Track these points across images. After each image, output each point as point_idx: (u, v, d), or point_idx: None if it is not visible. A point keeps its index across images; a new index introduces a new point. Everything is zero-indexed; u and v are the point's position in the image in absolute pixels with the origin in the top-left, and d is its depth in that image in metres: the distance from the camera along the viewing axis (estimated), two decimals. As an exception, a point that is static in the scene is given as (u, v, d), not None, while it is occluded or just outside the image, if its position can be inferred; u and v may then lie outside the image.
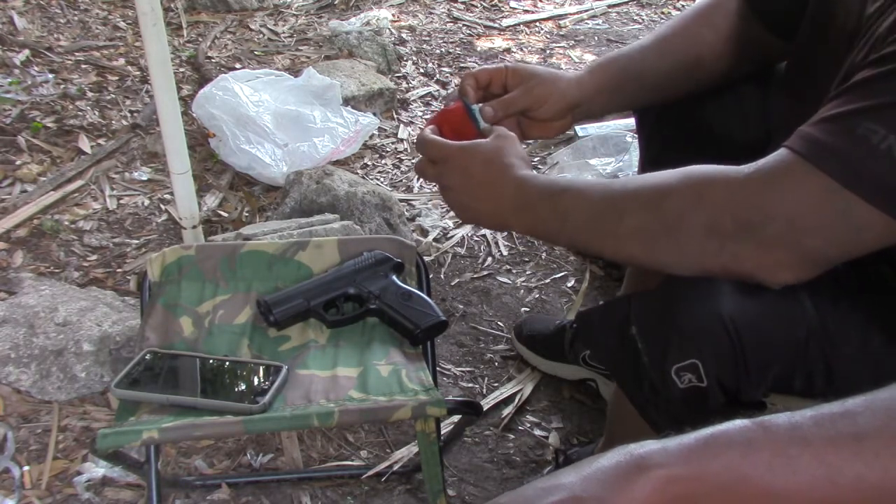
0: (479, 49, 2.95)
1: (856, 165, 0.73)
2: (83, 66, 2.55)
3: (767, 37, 1.09)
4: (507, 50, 2.97)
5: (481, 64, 2.84)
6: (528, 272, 1.90)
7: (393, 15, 3.09)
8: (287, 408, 1.02)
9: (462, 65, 2.82)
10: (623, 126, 2.18)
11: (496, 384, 1.59)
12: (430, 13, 3.19)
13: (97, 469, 1.34)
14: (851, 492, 0.49)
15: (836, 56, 0.87)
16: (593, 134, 2.19)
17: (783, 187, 0.76)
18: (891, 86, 0.73)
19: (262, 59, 2.75)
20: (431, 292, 1.23)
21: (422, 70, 2.77)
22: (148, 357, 1.08)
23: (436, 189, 2.14)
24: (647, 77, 1.12)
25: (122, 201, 2.03)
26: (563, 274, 1.90)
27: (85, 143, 2.19)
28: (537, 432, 1.50)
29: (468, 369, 1.63)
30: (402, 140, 2.38)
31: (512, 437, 1.49)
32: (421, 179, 2.21)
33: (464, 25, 3.12)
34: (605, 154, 2.10)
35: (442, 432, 1.18)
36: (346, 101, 2.37)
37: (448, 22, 3.14)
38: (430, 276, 1.28)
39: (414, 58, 2.83)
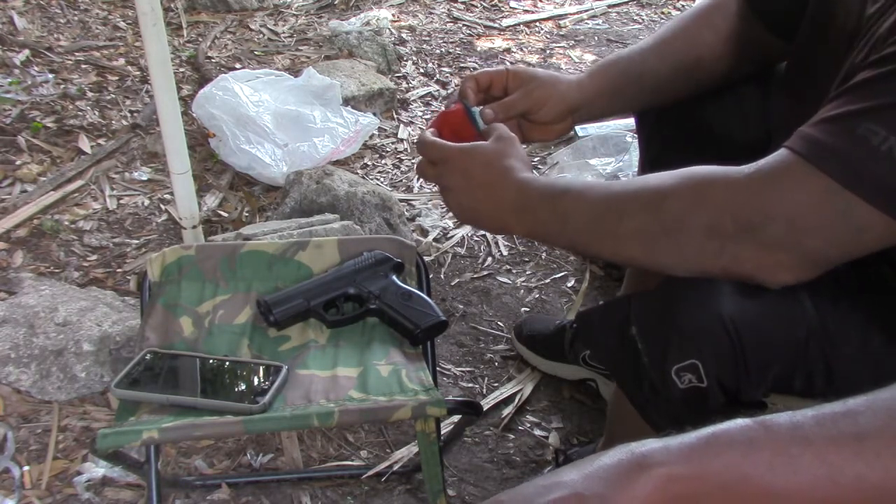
0: (479, 49, 2.95)
1: (856, 166, 0.73)
2: (83, 66, 2.55)
3: (767, 37, 1.09)
4: (507, 50, 2.97)
5: (481, 64, 2.84)
6: (528, 272, 1.90)
7: (393, 15, 3.09)
8: (287, 408, 1.02)
9: (462, 65, 2.82)
10: (623, 126, 2.18)
11: (496, 384, 1.59)
12: (430, 13, 3.19)
13: (97, 469, 1.34)
14: (852, 491, 0.49)
15: (836, 56, 0.87)
16: (593, 134, 2.19)
17: (783, 188, 0.76)
18: (891, 87, 0.73)
19: (262, 59, 2.75)
20: (431, 292, 1.23)
21: (422, 70, 2.77)
22: (148, 357, 1.08)
23: (436, 190, 2.15)
24: (647, 79, 1.12)
25: (122, 201, 2.03)
26: (563, 274, 1.90)
27: (85, 143, 2.19)
28: (537, 432, 1.50)
29: (468, 369, 1.63)
30: (402, 140, 2.38)
31: (512, 437, 1.49)
32: (421, 180, 2.21)
33: (464, 25, 3.12)
34: (605, 154, 2.10)
35: (442, 432, 1.18)
36: (346, 101, 2.37)
37: (448, 22, 3.14)
38: (430, 276, 1.28)
39: (414, 58, 2.83)
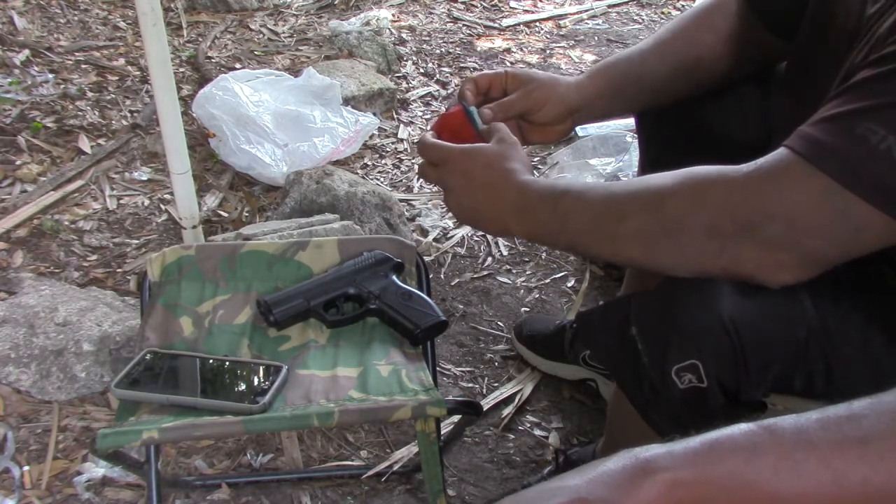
0: (479, 49, 2.95)
1: (855, 166, 0.73)
2: (83, 66, 2.55)
3: (767, 37, 1.09)
4: (507, 50, 2.97)
5: (481, 64, 2.84)
6: (528, 272, 1.90)
7: (393, 15, 3.09)
8: (287, 408, 1.02)
9: (462, 65, 2.82)
10: (623, 126, 2.18)
11: (496, 384, 1.59)
12: (430, 13, 3.19)
13: (97, 469, 1.34)
14: (857, 495, 0.49)
15: (836, 56, 0.87)
16: (593, 134, 2.19)
17: (783, 187, 0.76)
18: (890, 86, 0.73)
19: (262, 59, 2.75)
20: (431, 292, 1.23)
21: (422, 70, 2.77)
22: (148, 357, 1.08)
23: (436, 190, 2.15)
24: (647, 80, 1.12)
25: (122, 201, 2.03)
26: (563, 274, 1.90)
27: (85, 143, 2.19)
28: (537, 432, 1.50)
29: (468, 369, 1.63)
30: (402, 140, 2.38)
31: (512, 437, 1.49)
32: (421, 180, 2.21)
33: (464, 25, 3.12)
34: (605, 154, 2.10)
35: (442, 432, 1.18)
36: (346, 101, 2.37)
37: (448, 22, 3.14)
38: (430, 276, 1.28)
39: (414, 58, 2.83)
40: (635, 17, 3.33)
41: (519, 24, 3.17)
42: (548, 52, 2.99)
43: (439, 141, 1.00)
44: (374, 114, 2.40)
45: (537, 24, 3.21)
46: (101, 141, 2.22)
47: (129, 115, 2.35)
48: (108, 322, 1.51)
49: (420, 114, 2.53)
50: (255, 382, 1.05)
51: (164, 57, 1.52)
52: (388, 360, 1.11)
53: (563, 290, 1.86)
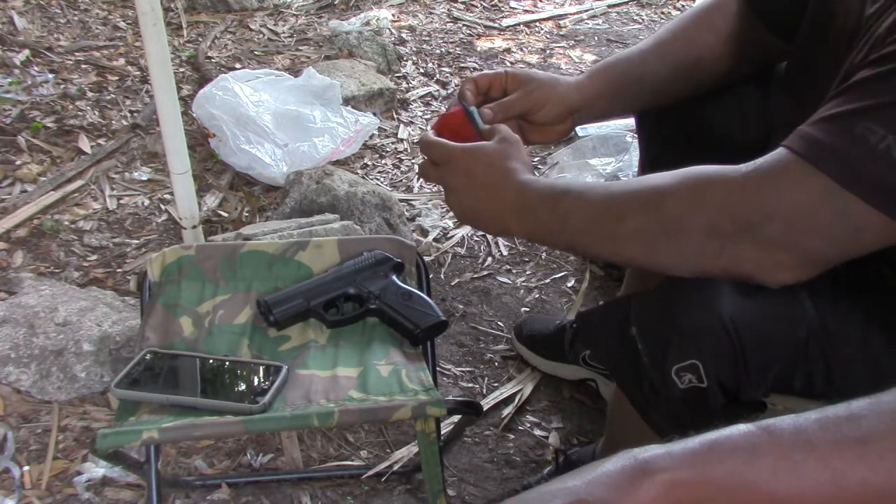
0: (479, 49, 2.95)
1: (854, 165, 0.73)
2: (83, 66, 2.55)
3: (767, 37, 1.09)
4: (507, 50, 2.97)
5: (481, 64, 2.84)
6: (528, 272, 1.90)
7: (393, 15, 3.09)
8: (287, 408, 1.02)
9: (462, 65, 2.82)
10: (623, 126, 2.18)
11: (496, 384, 1.59)
12: (430, 13, 3.19)
13: (97, 469, 1.34)
14: (856, 496, 0.49)
15: (835, 56, 0.87)
16: (593, 134, 2.19)
17: (782, 187, 0.76)
18: (889, 86, 0.73)
19: (262, 59, 2.75)
20: (431, 292, 1.23)
21: (422, 70, 2.77)
22: (148, 357, 1.08)
23: (436, 190, 2.15)
24: (647, 80, 1.12)
25: (122, 201, 2.03)
26: (563, 274, 1.90)
27: (85, 143, 2.19)
28: (537, 432, 1.50)
29: (468, 369, 1.63)
30: (402, 140, 2.38)
31: (512, 437, 1.49)
32: (421, 180, 2.21)
33: (464, 25, 3.12)
34: (605, 154, 2.10)
35: (442, 432, 1.18)
36: (346, 101, 2.37)
37: (448, 22, 3.14)
38: (430, 276, 1.28)
39: (414, 58, 2.83)
40: (635, 17, 3.33)
41: (519, 24, 3.17)
42: (548, 52, 2.99)
43: (441, 139, 1.00)
44: (374, 114, 2.40)
45: (537, 24, 3.21)
46: (101, 141, 2.22)
47: (129, 115, 2.35)
48: (108, 322, 1.51)
49: (420, 114, 2.54)
50: (255, 382, 1.05)
51: (164, 57, 1.52)
52: (388, 360, 1.11)
53: (563, 290, 1.86)
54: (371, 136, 2.34)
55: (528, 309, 1.79)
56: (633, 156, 1.99)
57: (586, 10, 3.32)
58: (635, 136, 1.82)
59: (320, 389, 1.06)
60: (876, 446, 0.49)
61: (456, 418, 1.37)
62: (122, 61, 2.62)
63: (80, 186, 2.04)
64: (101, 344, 1.47)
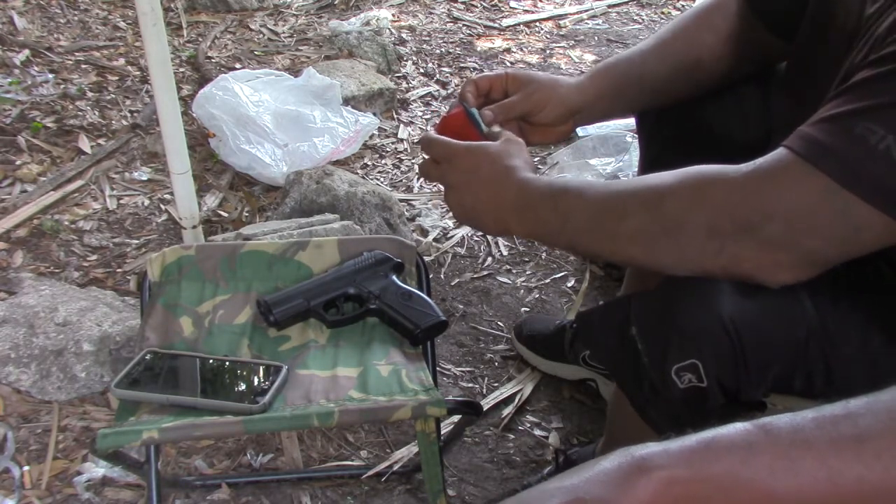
0: (479, 49, 2.95)
1: (854, 165, 0.73)
2: (83, 66, 2.55)
3: (767, 37, 1.09)
4: (507, 50, 2.97)
5: (481, 64, 2.84)
6: (528, 272, 1.90)
7: (393, 15, 3.09)
8: (287, 408, 1.02)
9: (462, 65, 2.82)
10: (623, 126, 2.18)
11: (496, 384, 1.59)
12: (430, 13, 3.19)
13: (97, 469, 1.34)
14: (853, 494, 0.49)
15: (835, 56, 0.87)
16: (593, 134, 2.19)
17: (782, 187, 0.76)
18: (889, 86, 0.73)
19: (262, 59, 2.75)
20: (431, 292, 1.23)
21: (422, 70, 2.77)
22: (148, 357, 1.08)
23: (436, 189, 2.15)
24: (647, 81, 1.12)
25: (122, 201, 2.03)
26: (563, 274, 1.90)
27: (85, 143, 2.19)
28: (537, 432, 1.50)
29: (468, 369, 1.63)
30: (402, 140, 2.38)
31: (512, 437, 1.49)
32: (422, 180, 2.21)
33: (464, 25, 3.12)
34: (605, 154, 2.10)
35: (442, 432, 1.18)
36: (346, 101, 2.37)
37: (448, 22, 3.14)
38: (430, 276, 1.28)
39: (414, 58, 2.83)
40: (635, 17, 3.33)
41: (519, 24, 3.17)
42: (548, 52, 2.99)
43: (444, 137, 1.00)
44: (374, 114, 2.40)
45: (537, 24, 3.21)
46: (101, 141, 2.22)
47: (129, 115, 2.35)
48: (108, 322, 1.51)
49: (420, 114, 2.54)
50: (255, 382, 1.05)
51: (164, 57, 1.52)
52: (388, 360, 1.11)
53: (563, 290, 1.86)
54: (371, 136, 2.34)
55: (528, 309, 1.79)
56: (633, 156, 1.99)
57: (586, 10, 3.32)
58: (635, 136, 1.82)
59: (320, 389, 1.06)
60: (873, 445, 0.49)
61: (456, 418, 1.37)
62: (122, 61, 2.62)
63: (80, 186, 2.04)
64: (101, 344, 1.47)
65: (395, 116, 2.50)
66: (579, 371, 1.55)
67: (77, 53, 2.61)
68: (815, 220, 0.75)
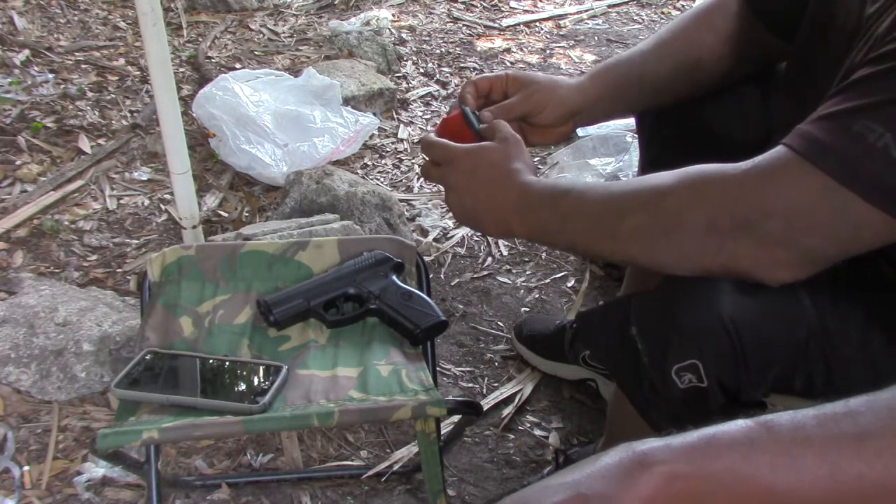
0: (479, 49, 2.95)
1: (853, 163, 0.73)
2: (83, 66, 2.55)
3: (767, 37, 1.09)
4: (507, 50, 2.97)
5: (481, 64, 2.84)
6: (528, 272, 1.90)
7: (393, 15, 3.09)
8: (287, 408, 1.02)
9: (462, 65, 2.82)
10: (623, 126, 2.18)
11: (496, 384, 1.59)
12: (430, 13, 3.19)
13: (97, 469, 1.34)
14: (853, 491, 0.49)
15: (836, 56, 0.87)
16: (593, 134, 2.19)
17: (780, 185, 0.76)
18: (888, 84, 0.73)
19: (262, 59, 2.75)
20: (431, 292, 1.23)
21: (422, 70, 2.77)
22: (148, 357, 1.08)
23: (436, 189, 2.15)
24: (647, 81, 1.12)
25: (122, 201, 2.03)
26: (563, 274, 1.90)
27: (85, 143, 2.19)
28: (537, 432, 1.50)
29: (468, 369, 1.63)
30: (402, 140, 2.38)
31: (512, 437, 1.49)
32: (422, 179, 2.21)
33: (464, 25, 3.12)
34: (605, 154, 2.10)
35: (442, 432, 1.18)
36: (346, 101, 2.37)
37: (448, 22, 3.14)
38: (430, 276, 1.28)
39: (414, 58, 2.83)
40: (635, 17, 3.33)
41: (519, 24, 3.17)
42: (548, 52, 2.99)
43: (443, 140, 1.00)
44: (374, 114, 2.40)
45: (537, 24, 3.21)
46: (101, 141, 2.22)
47: (129, 115, 2.35)
48: (108, 322, 1.51)
49: (420, 114, 2.54)
50: (255, 382, 1.05)
51: (164, 57, 1.52)
52: (388, 360, 1.11)
53: (563, 290, 1.86)
54: (371, 136, 2.34)
55: (528, 309, 1.79)
56: (633, 156, 1.99)
57: (586, 10, 3.32)
58: (635, 136, 1.82)
59: (320, 389, 1.06)
60: (873, 442, 0.50)
61: (456, 418, 1.37)
62: (122, 61, 2.62)
63: (80, 186, 2.04)
64: (101, 344, 1.47)
65: (395, 116, 2.50)
66: (579, 371, 1.55)
67: (77, 53, 2.61)
68: (814, 218, 0.75)
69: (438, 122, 1.11)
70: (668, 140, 1.20)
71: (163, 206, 2.02)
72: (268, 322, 1.13)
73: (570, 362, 1.55)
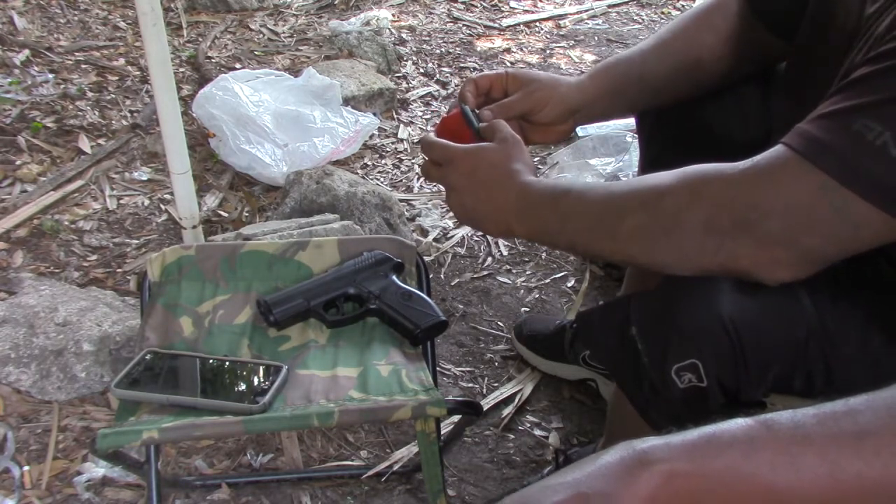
0: (479, 49, 2.95)
1: (852, 162, 0.73)
2: (83, 66, 2.55)
3: (768, 37, 1.09)
4: (507, 50, 2.97)
5: (481, 64, 2.84)
6: (528, 272, 1.90)
7: (393, 15, 3.09)
8: (287, 408, 1.02)
9: (462, 65, 2.82)
10: (623, 126, 2.18)
11: (496, 384, 1.59)
12: (430, 13, 3.19)
13: (97, 469, 1.34)
14: (853, 489, 0.49)
15: (836, 56, 0.87)
16: (593, 134, 2.19)
17: (779, 184, 0.76)
18: (888, 82, 0.73)
19: (262, 59, 2.75)
20: (431, 292, 1.23)
21: (422, 70, 2.77)
22: (148, 357, 1.08)
23: (436, 189, 2.15)
24: (647, 80, 1.12)
25: (122, 201, 2.03)
26: (563, 274, 1.90)
27: (85, 143, 2.19)
28: (537, 432, 1.50)
29: (468, 369, 1.63)
30: (402, 140, 2.38)
31: (512, 437, 1.49)
32: (422, 179, 2.21)
33: (464, 25, 3.12)
34: (605, 154, 2.10)
35: (442, 432, 1.18)
36: (346, 101, 2.37)
37: (448, 22, 3.14)
38: (430, 276, 1.28)
39: (414, 58, 2.84)
40: (635, 17, 3.33)
41: (519, 24, 3.17)
42: (548, 52, 2.99)
43: (443, 140, 1.00)
44: (374, 114, 2.40)
45: (537, 24, 3.21)
46: (101, 141, 2.22)
47: (129, 115, 2.35)
48: (108, 322, 1.51)
49: (420, 114, 2.54)
50: (255, 382, 1.05)
51: (164, 57, 1.52)
52: (388, 360, 1.11)
53: (563, 290, 1.86)
54: (371, 136, 2.34)
55: (528, 309, 1.79)
56: (633, 156, 1.99)
57: (586, 10, 3.32)
58: (635, 136, 1.82)
59: (320, 389, 1.06)
60: (872, 441, 0.50)
61: (456, 418, 1.37)
62: (122, 61, 2.62)
63: (80, 186, 2.04)
64: (101, 344, 1.47)
65: (395, 116, 2.50)
66: (579, 371, 1.55)
67: (77, 53, 2.61)
68: (814, 218, 0.75)
69: (438, 121, 1.11)
70: (668, 140, 1.20)
71: (163, 206, 2.02)
72: (268, 322, 1.13)
73: (570, 362, 1.55)
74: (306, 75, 2.37)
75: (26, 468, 1.34)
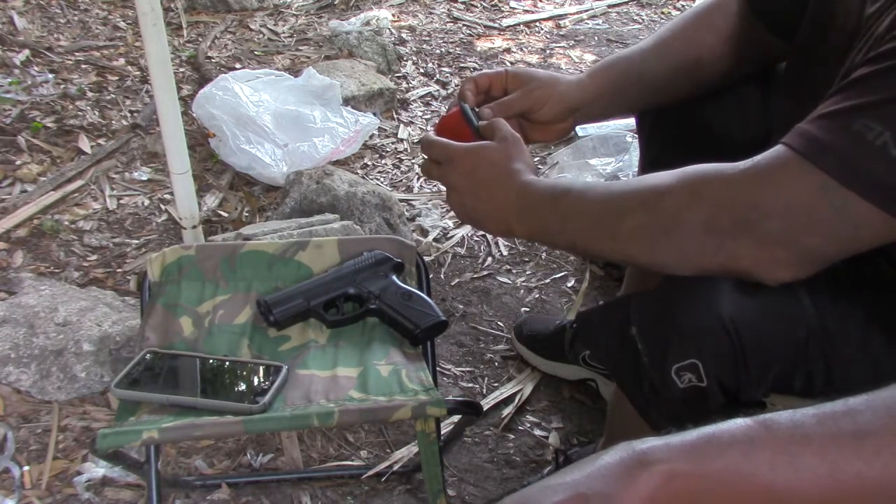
0: (479, 49, 2.95)
1: (852, 162, 0.73)
2: (83, 66, 2.55)
3: (768, 37, 1.09)
4: (507, 50, 2.97)
5: (481, 64, 2.84)
6: (528, 272, 1.90)
7: (393, 15, 3.09)
8: (287, 408, 1.02)
9: (462, 65, 2.82)
10: (623, 126, 2.18)
11: (496, 384, 1.59)
12: (430, 13, 3.19)
13: (97, 469, 1.34)
14: (852, 489, 0.49)
15: (836, 56, 0.87)
16: (593, 134, 2.19)
17: (779, 184, 0.76)
18: (888, 82, 0.73)
19: (262, 59, 2.75)
20: (431, 292, 1.23)
21: (422, 70, 2.77)
22: (148, 357, 1.08)
23: (436, 189, 2.15)
24: (647, 79, 1.12)
25: (122, 201, 2.03)
26: (563, 274, 1.90)
27: (85, 143, 2.19)
28: (537, 432, 1.50)
29: (468, 369, 1.63)
30: (402, 140, 2.38)
31: (512, 437, 1.49)
32: (422, 179, 2.21)
33: (464, 25, 3.12)
34: (605, 154, 2.10)
35: (442, 432, 1.18)
36: (346, 101, 2.37)
37: (448, 22, 3.14)
38: (430, 276, 1.28)
39: (414, 58, 2.84)
40: (635, 17, 3.33)
41: (519, 24, 3.17)
42: (548, 52, 2.99)
43: (443, 139, 1.00)
44: (374, 114, 2.40)
45: (537, 24, 3.21)
46: (101, 141, 2.22)
47: (129, 115, 2.35)
48: (108, 322, 1.51)
49: (420, 114, 2.54)
50: (255, 382, 1.05)
51: (164, 57, 1.52)
52: (388, 360, 1.11)
53: (563, 290, 1.86)
54: (371, 136, 2.34)
55: (528, 309, 1.79)
56: (633, 156, 1.99)
57: (586, 10, 3.32)
58: (635, 136, 1.82)
59: (320, 389, 1.06)
60: (872, 441, 0.50)
61: (456, 418, 1.37)
62: (122, 61, 2.62)
63: (80, 186, 2.04)
64: (101, 344, 1.47)
65: (395, 116, 2.50)
66: (579, 371, 1.55)
67: (77, 53, 2.61)
68: (814, 218, 0.75)
69: (438, 120, 1.11)
70: (668, 140, 1.20)
71: (163, 206, 2.02)
72: (268, 322, 1.13)
73: (570, 362, 1.55)
74: (306, 75, 2.37)
75: (26, 468, 1.34)
